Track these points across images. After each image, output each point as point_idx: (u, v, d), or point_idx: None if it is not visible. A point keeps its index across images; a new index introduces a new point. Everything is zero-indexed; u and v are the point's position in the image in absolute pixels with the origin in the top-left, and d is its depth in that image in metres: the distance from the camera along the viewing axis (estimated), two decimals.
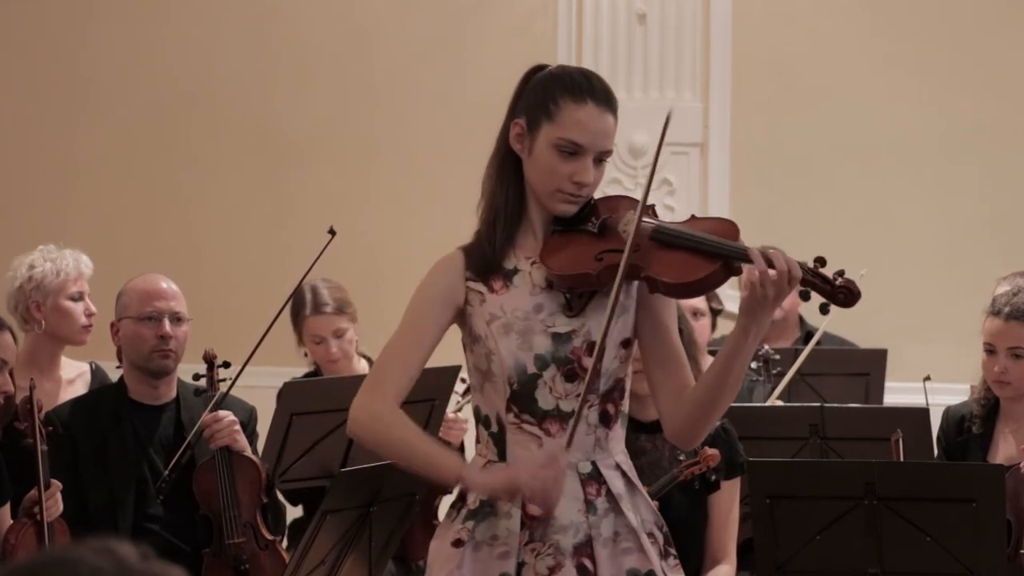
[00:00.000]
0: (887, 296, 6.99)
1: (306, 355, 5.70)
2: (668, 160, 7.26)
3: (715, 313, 6.06)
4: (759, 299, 3.05)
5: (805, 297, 3.14)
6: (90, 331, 5.20)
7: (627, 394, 3.26)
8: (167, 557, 1.66)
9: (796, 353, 5.74)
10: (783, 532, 4.14)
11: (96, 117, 7.53)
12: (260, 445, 4.94)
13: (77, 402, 4.90)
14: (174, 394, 4.86)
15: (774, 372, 5.61)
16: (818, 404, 5.10)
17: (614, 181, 7.23)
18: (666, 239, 3.13)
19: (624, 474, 3.23)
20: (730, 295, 6.85)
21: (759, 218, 7.16)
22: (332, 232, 5.08)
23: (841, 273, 3.14)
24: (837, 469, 4.31)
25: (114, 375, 5.00)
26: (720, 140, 7.24)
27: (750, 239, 7.38)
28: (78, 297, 5.18)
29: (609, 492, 3.19)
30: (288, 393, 4.99)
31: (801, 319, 6.64)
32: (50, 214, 7.45)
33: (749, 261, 3.07)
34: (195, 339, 4.91)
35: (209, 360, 4.86)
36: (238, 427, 4.75)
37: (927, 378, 5.46)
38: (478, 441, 3.28)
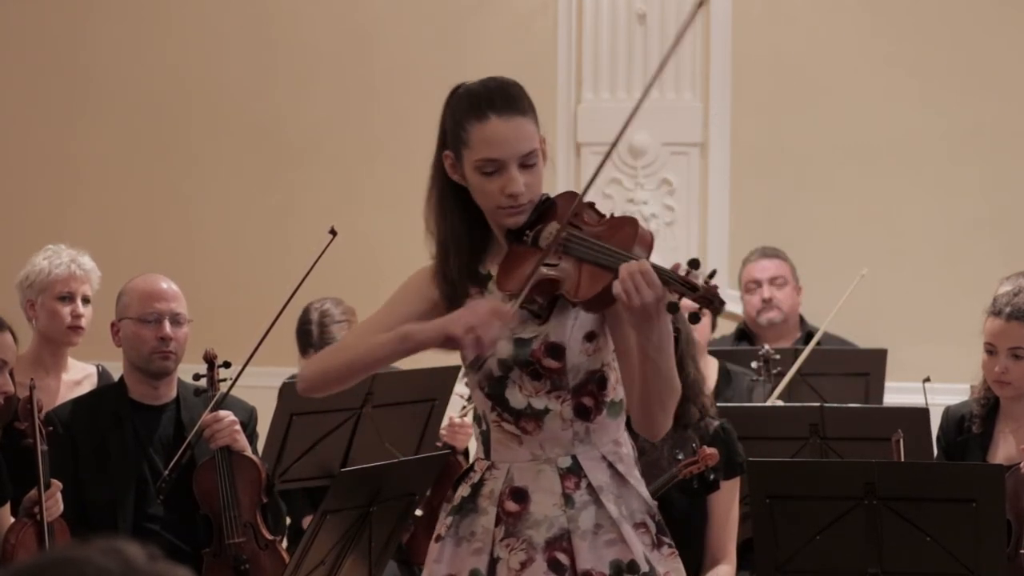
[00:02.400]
0: (887, 296, 6.99)
1: None
2: (668, 160, 7.26)
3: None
4: (628, 307, 3.00)
5: (672, 309, 3.02)
6: (79, 332, 5.20)
7: (612, 384, 3.25)
8: (167, 557, 1.66)
9: (796, 353, 5.74)
10: (783, 532, 4.14)
11: (96, 117, 7.53)
12: (260, 445, 4.95)
13: (77, 402, 4.90)
14: (174, 394, 4.86)
15: (774, 372, 5.61)
16: (818, 404, 5.10)
17: (614, 181, 7.24)
18: (575, 252, 3.13)
19: (611, 465, 3.25)
20: (729, 295, 6.85)
21: (759, 218, 7.16)
22: (333, 232, 5.08)
23: (712, 275, 3.06)
24: (837, 469, 4.31)
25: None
26: (720, 140, 7.24)
27: (750, 239, 7.41)
28: (67, 297, 5.19)
29: (589, 484, 3.21)
30: (288, 393, 4.99)
31: (802, 319, 6.64)
32: (51, 214, 7.45)
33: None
34: (195, 339, 4.91)
35: (209, 360, 4.86)
36: (238, 427, 4.75)
37: (927, 379, 5.46)
38: (476, 438, 3.36)
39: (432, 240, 3.28)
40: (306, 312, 5.65)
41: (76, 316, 5.18)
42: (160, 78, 7.50)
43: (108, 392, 4.92)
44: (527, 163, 3.17)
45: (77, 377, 5.28)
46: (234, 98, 7.48)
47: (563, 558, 3.18)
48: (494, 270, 3.24)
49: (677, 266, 3.03)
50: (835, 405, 5.13)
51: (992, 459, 4.81)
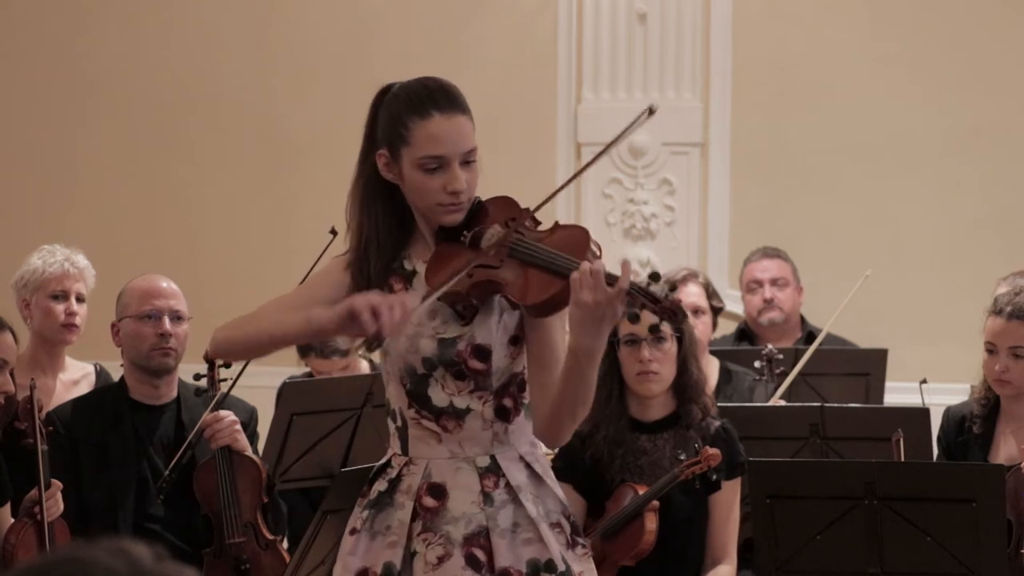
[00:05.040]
0: (887, 296, 6.99)
1: (306, 365, 5.73)
2: (668, 160, 7.26)
3: (715, 311, 6.05)
4: (577, 303, 3.00)
5: (633, 320, 3.06)
6: (74, 331, 5.19)
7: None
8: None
9: (797, 353, 5.74)
10: (783, 532, 4.14)
11: (97, 117, 7.53)
12: (261, 445, 4.94)
13: (77, 402, 4.90)
14: (175, 394, 4.86)
15: (777, 372, 5.60)
16: (818, 404, 5.10)
17: (614, 181, 7.23)
18: (521, 256, 3.15)
19: (528, 465, 3.27)
20: (730, 294, 6.85)
21: (759, 218, 7.16)
22: (334, 232, 5.08)
23: (673, 288, 3.09)
24: (837, 469, 4.31)
25: (118, 376, 5.01)
26: (720, 140, 7.24)
27: (751, 239, 7.40)
28: (60, 296, 5.19)
29: (508, 484, 3.24)
30: (288, 393, 4.99)
31: (802, 319, 6.63)
32: (50, 214, 7.45)
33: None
34: (196, 339, 4.90)
35: (210, 360, 4.86)
36: (239, 427, 4.75)
37: (923, 381, 5.46)
38: (391, 434, 3.37)
39: (351, 236, 3.30)
40: None
41: (70, 314, 5.18)
42: (160, 78, 7.50)
43: (108, 392, 4.92)
44: (468, 160, 3.22)
45: (75, 376, 5.28)
46: (234, 98, 7.48)
47: (480, 554, 3.21)
48: (420, 267, 3.26)
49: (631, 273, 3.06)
50: (835, 405, 5.13)
51: (993, 459, 4.81)
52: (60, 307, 5.18)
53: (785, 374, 5.60)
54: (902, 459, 4.61)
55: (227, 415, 4.75)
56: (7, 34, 7.61)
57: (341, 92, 7.40)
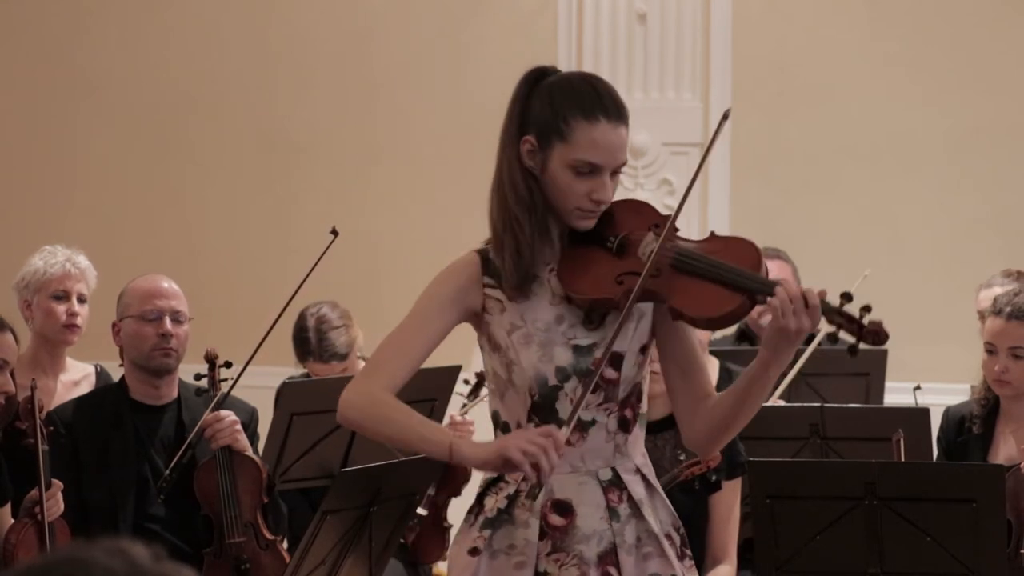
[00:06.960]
0: (887, 296, 6.97)
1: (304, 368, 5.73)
2: (668, 160, 7.26)
3: None
4: (781, 329, 3.01)
5: (833, 340, 3.09)
6: (75, 331, 5.20)
7: (645, 396, 3.24)
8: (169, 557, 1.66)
9: (798, 353, 5.74)
10: (783, 532, 4.14)
11: (96, 117, 7.54)
12: (261, 446, 4.94)
13: (78, 402, 4.90)
14: (175, 394, 4.86)
15: None
16: (818, 404, 5.10)
17: None
18: (688, 267, 3.08)
19: (644, 477, 3.22)
20: None
21: (759, 218, 7.16)
22: (335, 232, 5.08)
23: (868, 309, 3.09)
24: (837, 469, 4.31)
25: (119, 377, 5.01)
26: (720, 140, 7.21)
27: (750, 239, 7.36)
28: (62, 296, 5.19)
29: (630, 497, 3.18)
30: (288, 393, 4.99)
31: None
32: (50, 214, 7.46)
33: (773, 295, 3.03)
34: (196, 339, 4.91)
35: (210, 360, 4.86)
36: (239, 427, 4.75)
37: (917, 387, 5.46)
38: None
39: (509, 228, 3.12)
40: (302, 318, 5.61)
41: (72, 315, 5.18)
42: (160, 78, 7.51)
43: (109, 392, 4.92)
44: (617, 171, 3.14)
45: (75, 377, 5.28)
46: (234, 98, 7.48)
47: (614, 572, 3.16)
48: (539, 270, 3.15)
49: (823, 292, 3.05)
50: (835, 405, 5.13)
51: (993, 459, 4.81)
52: (61, 308, 5.18)
53: (785, 374, 5.60)
54: (902, 459, 4.61)
55: (228, 415, 4.75)
56: (7, 34, 7.61)
57: (341, 92, 7.41)
